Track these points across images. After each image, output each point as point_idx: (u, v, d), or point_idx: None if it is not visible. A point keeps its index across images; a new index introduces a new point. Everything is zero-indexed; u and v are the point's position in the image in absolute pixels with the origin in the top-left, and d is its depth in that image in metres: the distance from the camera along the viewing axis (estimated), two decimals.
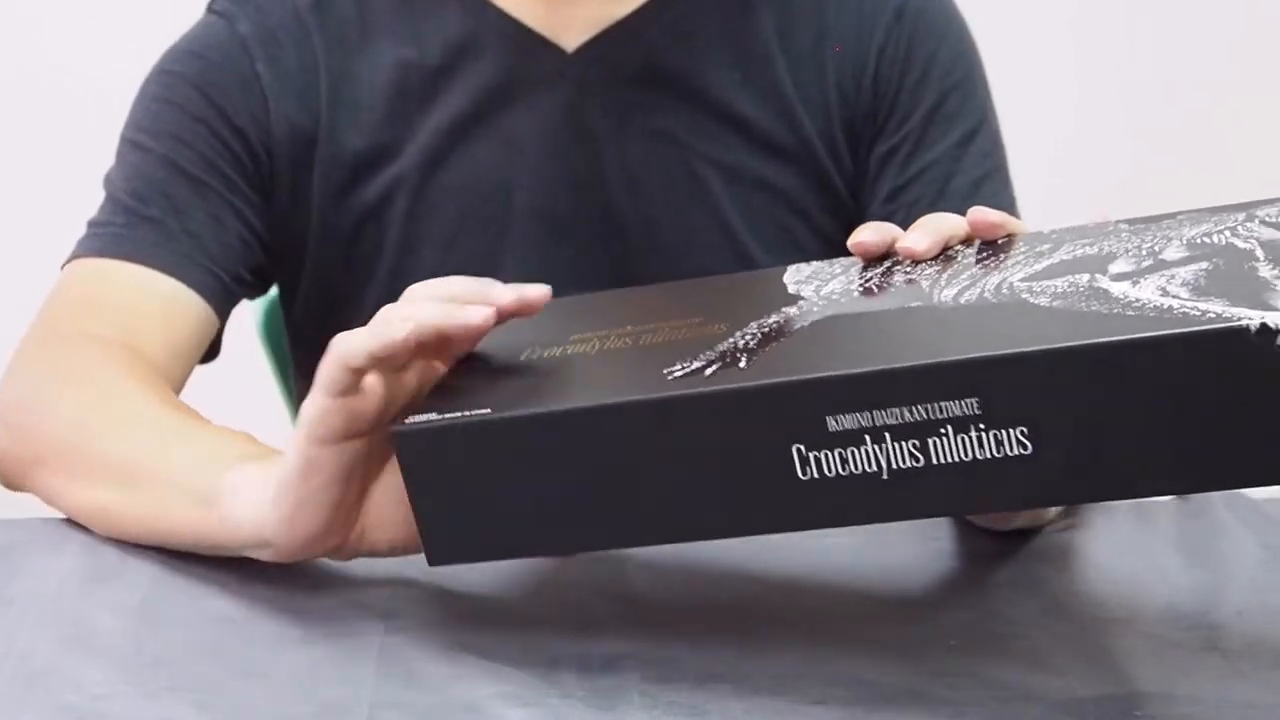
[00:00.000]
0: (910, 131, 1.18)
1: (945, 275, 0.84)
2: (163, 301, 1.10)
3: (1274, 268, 0.77)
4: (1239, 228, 0.82)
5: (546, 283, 0.85)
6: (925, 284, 0.84)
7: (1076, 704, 0.80)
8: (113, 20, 2.20)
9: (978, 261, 0.85)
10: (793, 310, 0.84)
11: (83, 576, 0.93)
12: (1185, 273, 0.78)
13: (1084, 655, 0.85)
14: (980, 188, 1.18)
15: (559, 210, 1.16)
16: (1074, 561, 0.96)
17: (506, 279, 0.86)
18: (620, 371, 0.83)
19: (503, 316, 0.84)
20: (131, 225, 1.12)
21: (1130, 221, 0.85)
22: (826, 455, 0.77)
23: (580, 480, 0.80)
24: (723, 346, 0.81)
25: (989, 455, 0.75)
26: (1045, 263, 0.83)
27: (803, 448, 0.77)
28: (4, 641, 0.85)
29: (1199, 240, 0.81)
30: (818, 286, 0.86)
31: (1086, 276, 0.80)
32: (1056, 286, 0.80)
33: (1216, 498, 1.00)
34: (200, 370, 1.14)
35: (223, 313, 1.14)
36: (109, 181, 1.15)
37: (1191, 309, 0.74)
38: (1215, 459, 0.74)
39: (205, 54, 1.16)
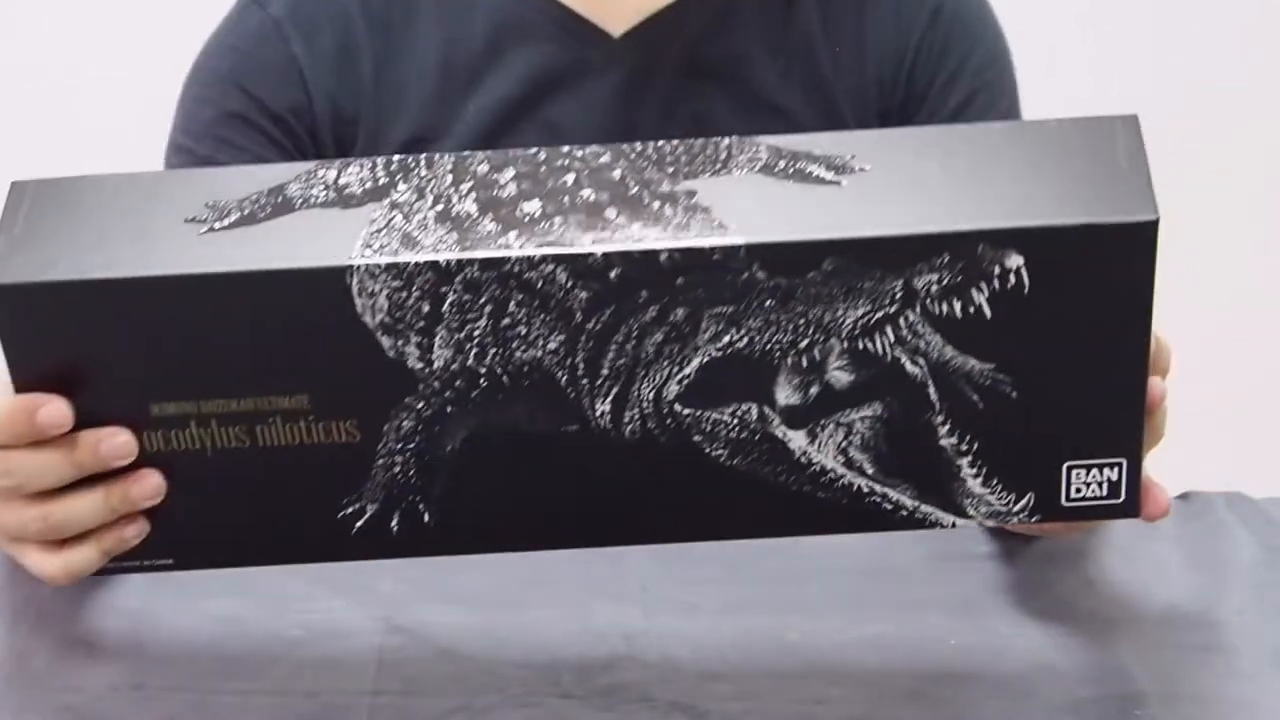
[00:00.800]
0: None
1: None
2: None
3: (952, 429, 0.76)
4: (903, 325, 0.74)
5: None
6: (583, 375, 0.76)
7: (1076, 704, 0.80)
8: (115, 20, 2.20)
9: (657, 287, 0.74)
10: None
11: None
12: (861, 425, 0.76)
13: (1084, 655, 0.85)
14: None
15: None
16: (1074, 562, 0.96)
17: None
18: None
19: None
20: None
21: (767, 170, 0.75)
22: None
23: None
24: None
25: None
26: (696, 362, 0.75)
27: None
28: (4, 642, 0.85)
29: (862, 348, 0.74)
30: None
31: (755, 410, 0.76)
32: (726, 427, 0.76)
33: (1218, 498, 1.00)
34: None
35: None
36: None
37: (880, 498, 0.77)
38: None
39: (239, 45, 1.15)
